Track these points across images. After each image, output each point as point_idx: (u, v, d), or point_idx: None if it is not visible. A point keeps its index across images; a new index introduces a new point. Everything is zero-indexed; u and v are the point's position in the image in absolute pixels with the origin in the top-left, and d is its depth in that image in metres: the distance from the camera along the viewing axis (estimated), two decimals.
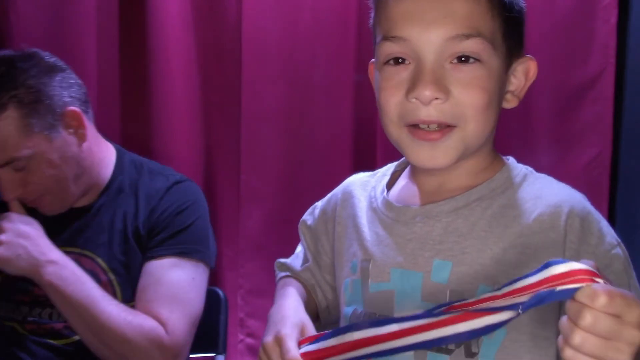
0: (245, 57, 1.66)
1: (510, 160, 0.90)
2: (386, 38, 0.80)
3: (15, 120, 1.19)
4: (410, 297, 0.83)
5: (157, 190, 1.32)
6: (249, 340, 1.73)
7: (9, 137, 1.19)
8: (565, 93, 1.71)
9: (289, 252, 1.80)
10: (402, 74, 0.80)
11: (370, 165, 1.64)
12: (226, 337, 1.46)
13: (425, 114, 0.78)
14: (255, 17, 1.65)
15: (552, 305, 0.78)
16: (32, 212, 1.30)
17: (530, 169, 0.89)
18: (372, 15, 0.85)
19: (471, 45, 0.78)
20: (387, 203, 0.90)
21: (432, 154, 0.81)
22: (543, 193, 0.84)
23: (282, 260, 1.09)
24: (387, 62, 0.81)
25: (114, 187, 1.34)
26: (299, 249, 1.08)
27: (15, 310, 1.29)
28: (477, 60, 0.78)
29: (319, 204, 1.06)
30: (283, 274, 1.07)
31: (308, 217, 1.07)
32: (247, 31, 1.65)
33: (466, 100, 0.78)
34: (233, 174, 1.71)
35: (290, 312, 0.90)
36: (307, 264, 1.04)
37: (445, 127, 0.79)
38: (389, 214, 0.89)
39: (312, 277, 1.03)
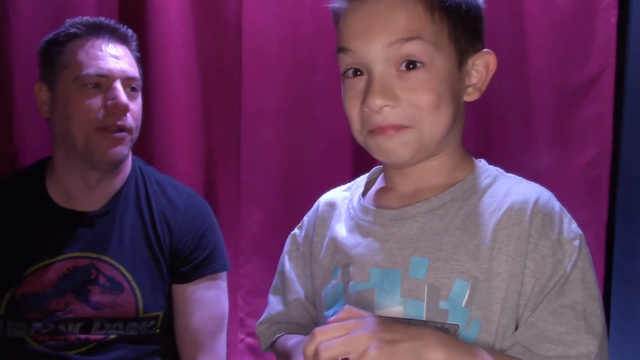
0: (245, 57, 1.66)
1: (482, 162, 0.95)
2: (339, 50, 0.88)
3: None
4: (390, 294, 0.87)
5: (172, 204, 1.35)
6: (249, 340, 1.73)
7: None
8: (565, 93, 1.71)
9: None
10: (359, 85, 0.87)
11: (370, 165, 1.64)
12: (226, 337, 1.46)
13: (380, 119, 0.85)
14: (255, 17, 1.65)
15: (513, 296, 0.83)
16: (64, 214, 1.30)
17: (500, 170, 0.95)
18: None
19: (412, 48, 0.83)
20: (364, 208, 0.95)
21: (391, 146, 0.87)
22: (511, 191, 0.89)
23: (261, 319, 1.08)
24: (346, 74, 0.89)
25: (128, 192, 1.34)
26: (271, 297, 1.09)
27: (27, 328, 1.26)
28: (422, 64, 0.83)
29: (297, 231, 1.09)
30: (275, 335, 1.06)
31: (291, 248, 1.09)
32: (247, 31, 1.65)
33: (415, 103, 0.84)
34: (233, 174, 1.70)
35: None
36: (295, 296, 1.03)
37: (401, 127, 0.85)
38: (367, 218, 0.94)
39: (301, 307, 1.03)
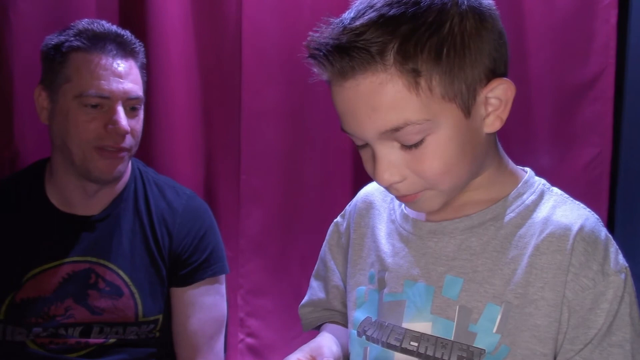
0: (245, 57, 1.66)
1: (528, 174, 0.90)
2: (342, 129, 0.84)
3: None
4: (420, 309, 0.85)
5: (171, 207, 1.35)
6: (249, 340, 1.73)
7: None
8: (565, 93, 1.71)
9: (289, 252, 1.80)
10: (368, 152, 0.83)
11: None
12: (226, 337, 1.46)
13: (394, 191, 0.83)
14: (255, 17, 1.65)
15: (553, 325, 0.80)
16: (63, 218, 1.30)
17: (547, 184, 0.90)
18: None
19: (404, 135, 0.77)
20: (405, 216, 0.92)
21: (416, 207, 0.86)
22: (555, 213, 0.84)
23: (303, 302, 1.09)
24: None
25: (128, 196, 1.33)
26: (313, 282, 1.09)
27: (26, 333, 1.25)
28: (421, 140, 0.78)
29: (340, 219, 1.07)
30: (316, 322, 1.07)
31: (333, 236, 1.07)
32: (247, 31, 1.65)
33: (424, 174, 0.80)
34: (233, 174, 1.70)
35: (312, 343, 0.91)
36: (335, 285, 1.04)
37: (417, 193, 0.82)
38: (406, 227, 0.91)
39: (340, 296, 1.03)
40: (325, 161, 1.72)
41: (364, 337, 0.91)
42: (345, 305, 1.01)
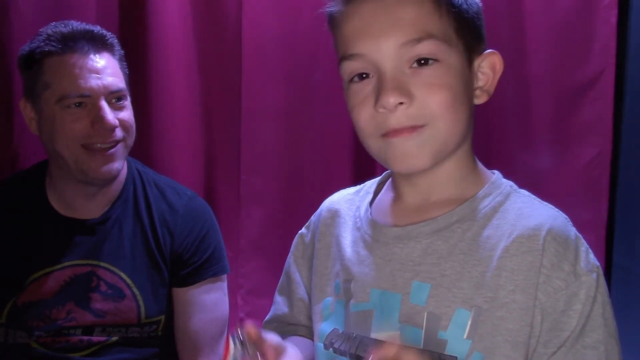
0: (245, 57, 1.66)
1: (495, 176, 0.89)
2: (344, 57, 0.82)
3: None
4: (388, 318, 0.83)
5: (172, 208, 1.35)
6: None
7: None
8: (565, 93, 1.71)
9: (289, 252, 1.79)
10: (367, 88, 0.82)
11: (370, 165, 1.64)
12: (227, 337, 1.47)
13: (395, 122, 0.80)
14: (255, 17, 1.65)
15: (525, 329, 0.79)
16: (65, 222, 1.30)
17: (514, 186, 0.89)
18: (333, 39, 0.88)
19: (425, 48, 0.79)
20: (371, 222, 0.91)
21: (407, 148, 0.81)
22: (523, 213, 0.83)
23: (267, 318, 1.06)
24: (352, 80, 0.83)
25: (127, 198, 1.33)
26: (277, 297, 1.06)
27: (28, 336, 1.26)
28: (435, 60, 0.80)
29: (304, 230, 1.05)
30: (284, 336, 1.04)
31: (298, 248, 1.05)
32: (247, 31, 1.65)
33: (431, 100, 0.80)
34: (233, 174, 1.70)
35: None
36: (300, 299, 1.01)
37: (417, 127, 0.80)
38: (371, 234, 0.89)
39: (306, 309, 1.01)
40: (325, 161, 1.72)
41: (331, 349, 0.89)
42: (310, 318, 0.98)
